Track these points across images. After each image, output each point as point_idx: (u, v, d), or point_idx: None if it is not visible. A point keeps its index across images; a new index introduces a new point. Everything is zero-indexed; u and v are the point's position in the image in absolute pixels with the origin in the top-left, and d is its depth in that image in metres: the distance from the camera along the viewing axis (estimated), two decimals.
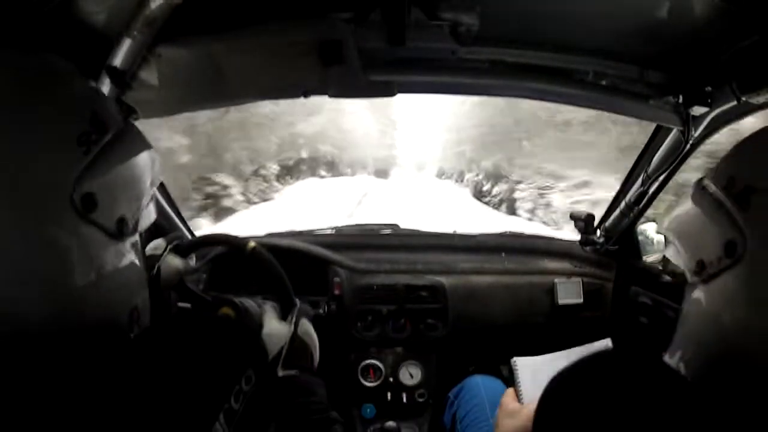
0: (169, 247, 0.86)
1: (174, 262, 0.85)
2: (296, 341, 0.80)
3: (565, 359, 0.88)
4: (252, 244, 0.89)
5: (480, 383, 1.12)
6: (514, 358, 0.87)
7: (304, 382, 0.74)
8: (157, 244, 0.88)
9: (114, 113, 0.45)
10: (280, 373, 0.75)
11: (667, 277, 1.23)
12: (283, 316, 0.83)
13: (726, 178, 0.42)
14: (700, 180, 0.47)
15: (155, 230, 1.39)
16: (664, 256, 1.28)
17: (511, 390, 0.84)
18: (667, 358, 0.53)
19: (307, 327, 0.85)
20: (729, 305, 0.41)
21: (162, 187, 1.32)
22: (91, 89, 0.46)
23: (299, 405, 0.69)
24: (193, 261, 0.88)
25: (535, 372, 0.85)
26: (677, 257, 0.49)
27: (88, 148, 0.41)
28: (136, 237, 0.48)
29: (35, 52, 0.42)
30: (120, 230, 0.44)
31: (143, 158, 0.47)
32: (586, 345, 0.86)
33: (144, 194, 0.48)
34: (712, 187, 0.44)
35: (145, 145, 0.49)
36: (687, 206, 0.47)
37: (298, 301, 0.87)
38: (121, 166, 0.44)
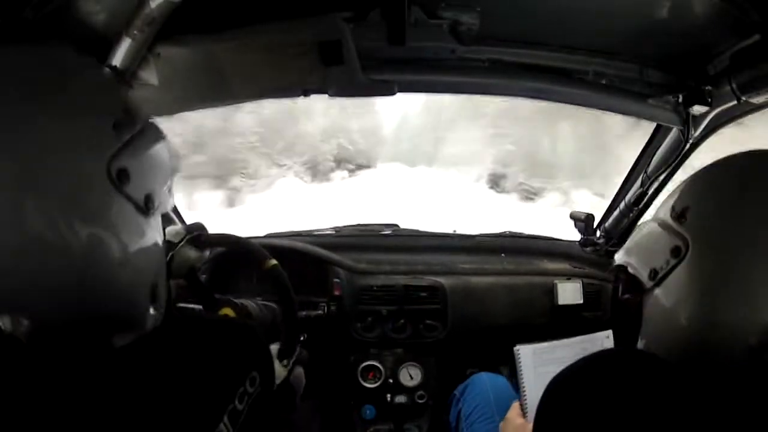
0: (187, 237, 0.82)
1: (188, 253, 0.82)
2: (284, 386, 0.78)
3: (566, 347, 0.91)
4: (273, 262, 0.85)
5: (486, 381, 1.13)
6: (517, 346, 0.88)
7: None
8: (176, 231, 0.83)
9: (138, 107, 0.50)
10: None
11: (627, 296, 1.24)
12: (281, 358, 0.80)
13: (670, 207, 0.53)
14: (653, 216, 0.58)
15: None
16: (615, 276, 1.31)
17: (517, 404, 0.85)
18: None
19: (299, 373, 0.84)
20: (679, 297, 0.50)
21: None
22: (119, 84, 0.52)
23: None
24: (206, 254, 0.85)
25: (536, 359, 0.86)
26: (635, 272, 0.57)
27: (122, 133, 0.45)
28: (159, 217, 0.51)
29: (62, 46, 0.47)
30: (147, 206, 0.47)
31: (167, 149, 0.53)
32: (588, 335, 0.87)
33: (167, 179, 0.52)
34: (660, 216, 0.55)
35: (166, 140, 0.54)
36: (642, 233, 0.59)
37: (298, 348, 0.84)
38: (150, 151, 0.49)
